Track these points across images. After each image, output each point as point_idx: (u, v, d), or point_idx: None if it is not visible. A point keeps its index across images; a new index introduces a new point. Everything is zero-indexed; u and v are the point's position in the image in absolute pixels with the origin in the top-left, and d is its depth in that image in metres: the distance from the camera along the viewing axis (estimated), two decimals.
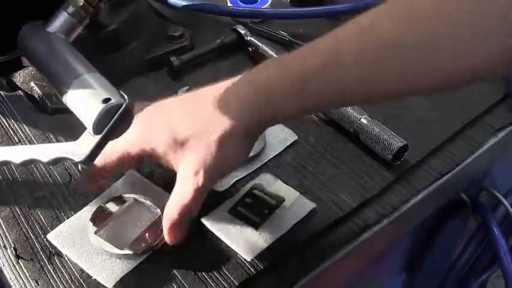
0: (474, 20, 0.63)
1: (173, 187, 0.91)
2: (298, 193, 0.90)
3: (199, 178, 0.75)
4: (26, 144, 0.99)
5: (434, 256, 1.29)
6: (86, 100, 0.70)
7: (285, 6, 1.32)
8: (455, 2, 0.64)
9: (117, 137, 0.70)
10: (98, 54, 1.06)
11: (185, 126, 0.76)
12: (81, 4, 0.85)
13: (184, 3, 1.25)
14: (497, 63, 0.65)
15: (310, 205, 0.89)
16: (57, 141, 0.99)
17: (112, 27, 1.08)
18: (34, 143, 0.99)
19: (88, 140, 0.68)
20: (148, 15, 1.20)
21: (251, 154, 0.94)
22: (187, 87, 1.09)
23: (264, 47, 1.15)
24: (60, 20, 0.84)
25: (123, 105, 0.68)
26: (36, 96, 1.05)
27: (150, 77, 1.14)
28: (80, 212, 0.88)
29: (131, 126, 0.75)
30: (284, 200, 0.88)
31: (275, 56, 1.13)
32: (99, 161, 0.81)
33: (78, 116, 0.72)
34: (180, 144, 0.76)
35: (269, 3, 1.29)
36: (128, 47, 1.12)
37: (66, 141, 0.97)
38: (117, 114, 0.67)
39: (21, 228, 0.87)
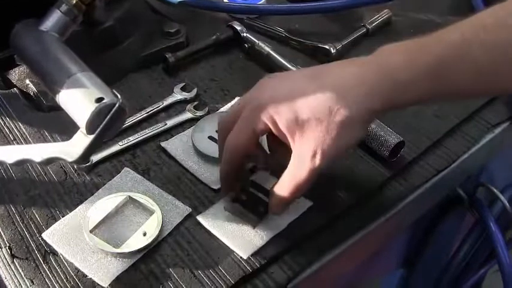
0: None
1: (170, 185, 0.91)
2: None
3: (315, 160, 0.75)
4: (21, 142, 0.99)
5: (432, 251, 1.29)
6: (78, 99, 0.69)
7: (281, 2, 1.31)
8: None
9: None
10: (93, 51, 1.05)
11: (308, 105, 0.75)
12: (74, 2, 0.84)
13: None
14: None
15: (306, 203, 0.88)
16: (53, 139, 0.99)
17: (107, 24, 1.07)
18: (29, 141, 0.99)
19: (81, 140, 0.68)
20: (144, 11, 1.20)
21: None
22: (183, 83, 1.09)
23: (260, 44, 1.15)
24: (53, 19, 0.83)
25: (116, 105, 0.67)
26: (32, 94, 1.04)
27: (145, 74, 1.13)
28: (75, 210, 0.88)
29: (253, 95, 0.78)
30: None
31: (271, 52, 1.12)
32: (226, 159, 0.83)
33: (71, 116, 0.71)
34: (300, 123, 0.75)
35: None
36: (124, 43, 1.11)
37: (62, 139, 0.97)
38: (110, 113, 0.67)
39: (16, 227, 0.86)
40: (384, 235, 0.96)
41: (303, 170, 0.76)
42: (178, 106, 1.06)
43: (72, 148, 0.69)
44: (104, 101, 0.67)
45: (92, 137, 0.67)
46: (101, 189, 0.91)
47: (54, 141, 0.98)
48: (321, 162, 0.75)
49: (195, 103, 1.05)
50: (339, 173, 0.93)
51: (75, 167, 0.93)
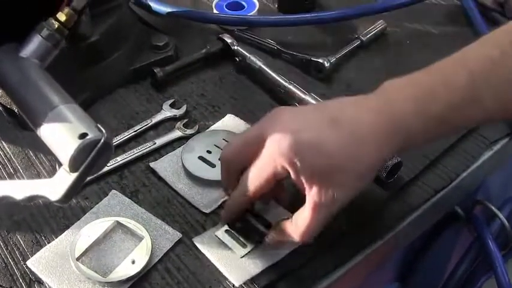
0: None
1: (159, 208, 0.88)
2: None
3: (327, 212, 0.76)
4: (4, 162, 0.96)
5: (428, 267, 1.27)
6: (61, 135, 0.65)
7: (272, 12, 1.28)
8: None
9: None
10: (78, 66, 1.02)
11: (330, 156, 0.73)
12: (56, 27, 0.78)
13: (169, 9, 1.21)
14: None
15: None
16: (37, 158, 0.96)
17: (93, 38, 1.03)
18: (13, 161, 0.96)
19: (64, 178, 0.64)
20: (132, 23, 1.16)
21: None
22: (172, 100, 1.05)
23: (252, 57, 1.11)
24: (33, 44, 0.77)
25: (101, 140, 0.63)
26: (16, 111, 1.00)
27: (133, 89, 1.10)
28: (61, 236, 0.85)
29: (270, 132, 0.75)
30: None
31: (263, 67, 1.09)
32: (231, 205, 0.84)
33: (53, 152, 0.68)
34: (321, 173, 0.73)
35: (256, 9, 1.25)
36: (110, 58, 1.08)
37: (47, 159, 0.94)
38: (95, 150, 0.63)
39: (0, 254, 0.83)
40: (380, 257, 0.93)
41: (315, 221, 0.75)
42: (168, 124, 1.02)
43: (54, 186, 0.65)
44: (88, 137, 0.63)
45: (75, 175, 0.64)
46: (87, 213, 0.88)
47: (39, 161, 0.96)
48: (335, 209, 0.76)
49: (185, 120, 1.02)
50: None
51: None
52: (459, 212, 1.13)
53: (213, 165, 0.93)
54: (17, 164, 0.96)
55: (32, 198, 0.67)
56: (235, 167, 0.81)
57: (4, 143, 0.99)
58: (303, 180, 0.74)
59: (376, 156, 0.75)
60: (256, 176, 0.78)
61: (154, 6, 1.23)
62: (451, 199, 0.98)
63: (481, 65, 0.75)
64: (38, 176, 0.94)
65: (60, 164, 0.67)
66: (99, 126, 0.65)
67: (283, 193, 0.86)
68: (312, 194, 0.74)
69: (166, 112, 1.03)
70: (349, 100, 0.78)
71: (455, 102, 0.74)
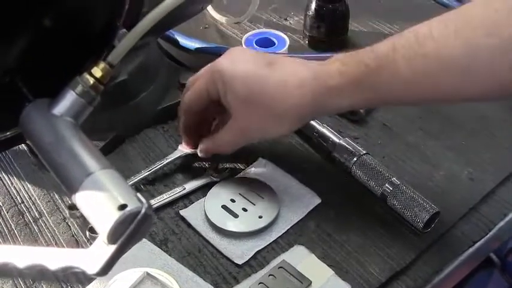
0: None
1: (190, 258, 0.85)
2: (332, 272, 0.84)
3: (240, 136, 0.92)
4: (29, 205, 0.94)
5: None
6: (99, 205, 0.62)
7: (303, 49, 1.26)
8: (505, 19, 0.71)
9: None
10: (104, 106, 0.98)
11: (253, 90, 0.86)
12: (91, 83, 0.75)
13: (197, 45, 1.19)
14: None
15: (344, 287, 0.82)
16: (63, 202, 0.94)
17: (121, 78, 1.01)
18: (38, 204, 0.94)
19: (102, 250, 0.61)
20: (160, 61, 1.14)
21: (262, 224, 0.88)
22: None
23: None
24: (67, 101, 0.73)
25: (141, 212, 0.60)
26: None
27: (161, 130, 1.08)
28: (88, 286, 0.82)
29: (219, 61, 0.91)
30: (310, 284, 0.81)
31: None
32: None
33: (89, 220, 0.65)
34: (245, 102, 0.87)
35: (287, 46, 1.22)
36: (138, 98, 1.06)
37: (72, 201, 0.91)
38: (135, 222, 0.60)
39: None
40: None
41: (225, 140, 0.93)
42: (197, 167, 1.00)
43: (92, 258, 0.62)
44: (127, 209, 0.60)
45: (114, 247, 0.61)
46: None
47: (65, 204, 0.93)
48: (242, 141, 0.94)
49: (215, 164, 0.98)
50: (370, 245, 0.88)
51: (87, 235, 0.88)
52: (494, 258, 1.10)
53: (236, 216, 0.91)
54: (42, 208, 0.94)
55: (66, 269, 0.64)
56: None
57: (29, 185, 0.97)
58: (228, 102, 0.88)
59: (293, 104, 0.86)
60: (192, 86, 0.95)
61: (183, 41, 1.21)
62: (487, 248, 0.95)
63: (407, 39, 0.78)
64: (64, 220, 0.92)
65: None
66: (138, 196, 0.62)
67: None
68: (232, 115, 0.89)
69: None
70: (298, 59, 0.91)
71: (373, 65, 0.79)
